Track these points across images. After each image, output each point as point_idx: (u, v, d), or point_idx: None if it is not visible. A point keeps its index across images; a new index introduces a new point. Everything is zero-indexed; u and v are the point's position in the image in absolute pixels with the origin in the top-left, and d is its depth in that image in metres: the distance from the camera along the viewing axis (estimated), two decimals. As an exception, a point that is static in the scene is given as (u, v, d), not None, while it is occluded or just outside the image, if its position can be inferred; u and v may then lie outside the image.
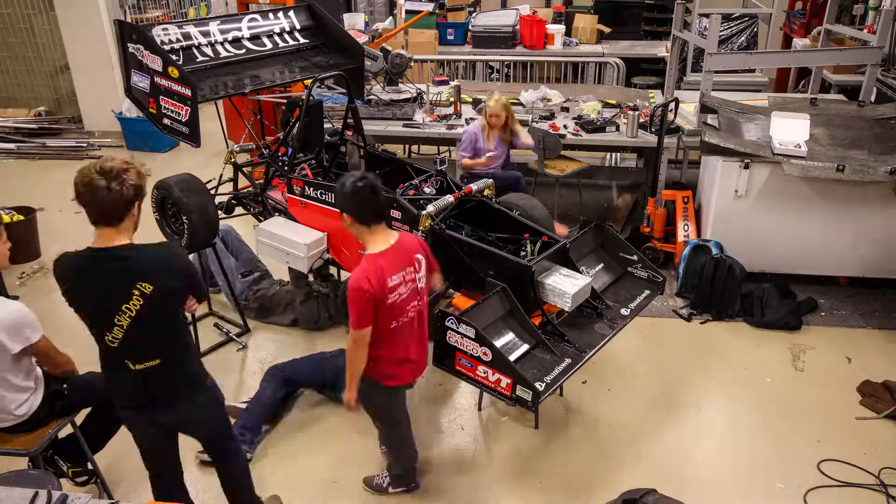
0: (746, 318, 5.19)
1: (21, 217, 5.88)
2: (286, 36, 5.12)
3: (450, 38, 9.36)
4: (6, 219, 5.82)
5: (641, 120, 6.07)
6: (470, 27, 9.34)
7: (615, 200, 7.08)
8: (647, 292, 4.12)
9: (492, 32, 9.17)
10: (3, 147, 8.54)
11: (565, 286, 3.72)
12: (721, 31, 7.71)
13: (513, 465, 3.94)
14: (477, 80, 8.68)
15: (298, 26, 5.21)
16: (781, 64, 8.08)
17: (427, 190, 4.27)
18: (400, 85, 6.90)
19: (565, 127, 6.23)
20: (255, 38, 4.97)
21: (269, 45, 5.02)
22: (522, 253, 3.91)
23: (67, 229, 6.06)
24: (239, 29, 4.94)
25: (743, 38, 8.80)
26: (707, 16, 6.79)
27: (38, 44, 8.84)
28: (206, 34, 4.75)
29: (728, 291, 5.19)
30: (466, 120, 6.41)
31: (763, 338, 5.01)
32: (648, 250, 5.86)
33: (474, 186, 4.23)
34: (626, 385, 4.53)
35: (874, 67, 5.96)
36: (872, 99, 6.16)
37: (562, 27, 9.39)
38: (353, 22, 9.05)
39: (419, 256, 3.24)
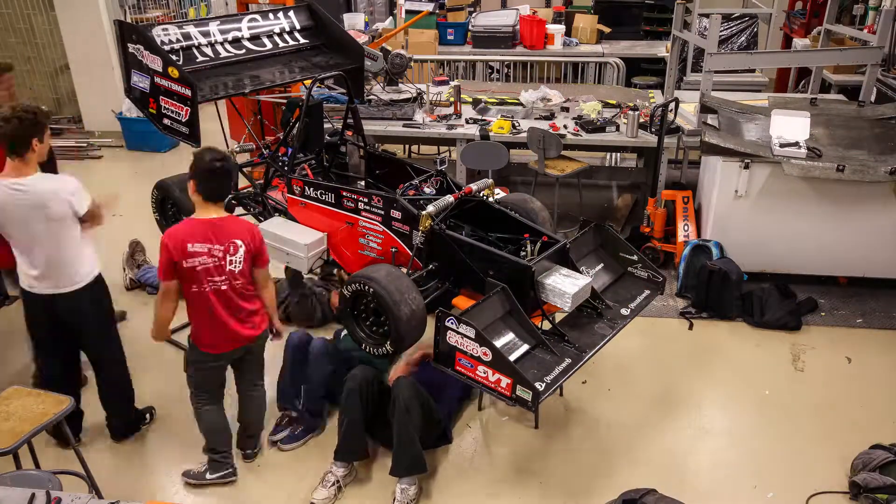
0: (746, 318, 5.19)
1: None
2: (286, 36, 5.12)
3: (450, 38, 9.35)
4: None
5: (641, 120, 6.07)
6: (470, 27, 9.34)
7: (615, 200, 7.08)
8: (647, 292, 4.11)
9: (492, 32, 9.17)
10: (3, 147, 8.53)
11: (565, 286, 3.72)
12: (721, 31, 7.71)
13: (513, 465, 3.94)
14: (477, 80, 8.67)
15: (298, 26, 5.20)
16: (781, 64, 8.08)
17: (427, 190, 4.27)
18: (400, 85, 6.90)
19: (565, 127, 6.22)
20: (255, 39, 4.96)
21: (269, 46, 5.01)
22: (522, 253, 3.91)
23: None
24: (239, 29, 4.93)
25: (743, 38, 8.80)
26: (707, 16, 6.78)
27: (37, 44, 8.83)
28: (206, 34, 4.74)
29: (726, 297, 5.19)
30: (466, 120, 6.41)
31: (763, 338, 5.01)
32: (648, 250, 5.85)
33: (474, 186, 4.23)
34: (626, 385, 4.53)
35: (874, 67, 5.96)
36: (872, 99, 6.15)
37: (562, 27, 9.39)
38: (353, 22, 9.04)
39: (238, 241, 3.49)
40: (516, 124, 6.27)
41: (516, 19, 9.27)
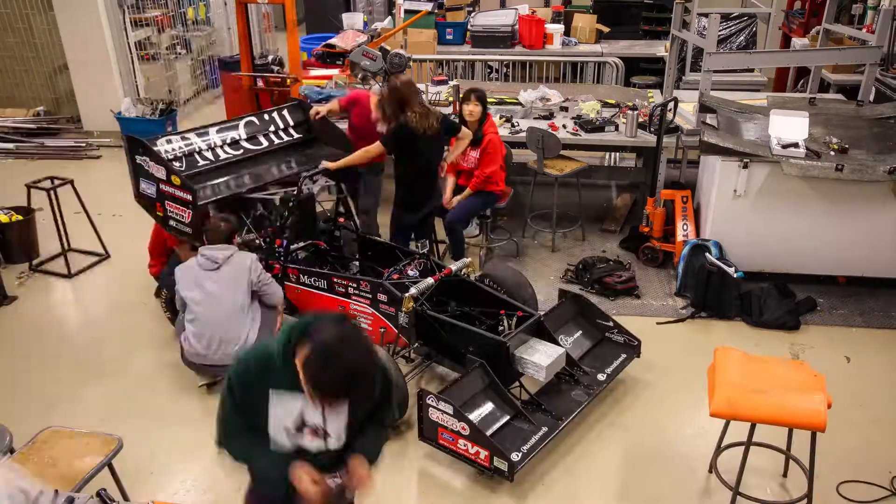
0: (745, 317, 5.19)
1: (20, 217, 5.88)
2: (280, 133, 5.49)
3: (449, 37, 9.34)
4: (4, 219, 5.81)
5: (640, 119, 6.07)
6: (469, 27, 9.32)
7: (614, 200, 7.08)
8: (623, 356, 4.48)
9: (491, 32, 9.16)
10: (2, 147, 8.54)
11: (539, 358, 4.01)
12: (720, 31, 7.70)
13: (512, 465, 3.94)
14: (476, 80, 8.67)
15: (292, 122, 5.58)
16: (780, 63, 8.08)
17: (411, 272, 4.57)
18: (399, 85, 6.88)
19: (564, 126, 6.22)
20: (251, 139, 5.34)
21: (265, 143, 5.38)
22: (501, 328, 4.19)
23: (68, 229, 6.05)
24: (237, 131, 5.28)
25: (742, 38, 8.80)
26: (706, 15, 6.80)
27: (36, 44, 8.83)
28: (205, 140, 5.11)
29: (724, 297, 5.19)
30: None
31: (762, 338, 5.01)
32: (647, 250, 5.86)
33: (454, 267, 4.52)
34: (626, 385, 4.53)
35: (873, 67, 5.96)
36: (871, 98, 6.16)
37: (561, 27, 9.37)
38: (352, 22, 9.04)
39: None
40: (515, 124, 6.27)
41: (515, 19, 9.26)
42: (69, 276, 5.79)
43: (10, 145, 8.56)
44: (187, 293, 4.27)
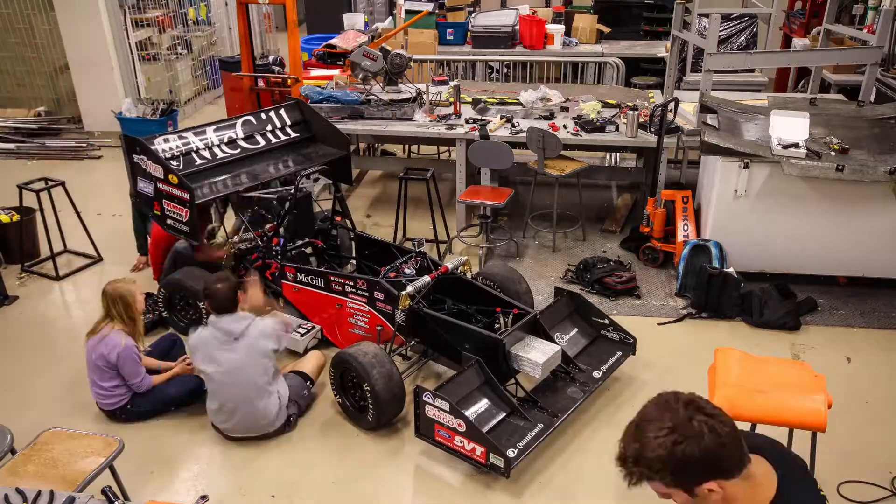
0: (746, 318, 5.19)
1: (20, 217, 5.88)
2: (277, 132, 5.49)
3: (449, 38, 9.35)
4: (5, 219, 5.82)
5: (641, 120, 6.06)
6: (469, 27, 9.33)
7: (615, 200, 7.08)
8: (619, 353, 4.46)
9: (491, 32, 9.16)
10: (3, 147, 8.55)
11: (535, 356, 4.03)
12: (720, 31, 7.70)
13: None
14: (477, 80, 8.67)
15: (289, 122, 5.58)
16: (781, 64, 8.08)
17: (407, 271, 4.60)
18: (399, 85, 6.89)
19: (565, 127, 6.22)
20: (248, 138, 5.33)
21: (262, 143, 5.38)
22: (497, 325, 4.22)
23: (66, 230, 6.06)
24: (234, 131, 5.28)
25: (742, 38, 8.80)
26: (707, 16, 6.79)
27: (37, 44, 8.84)
28: (203, 139, 5.10)
29: (725, 297, 5.18)
30: (466, 120, 6.41)
31: (763, 338, 5.01)
32: (648, 250, 5.86)
33: (450, 265, 4.55)
34: (626, 385, 4.53)
35: (873, 67, 5.96)
36: (872, 99, 6.16)
37: (561, 27, 9.38)
38: (353, 22, 9.04)
39: None
40: (516, 124, 6.27)
41: (516, 19, 9.27)
42: (57, 278, 5.79)
43: (11, 145, 8.58)
44: (203, 366, 3.94)
